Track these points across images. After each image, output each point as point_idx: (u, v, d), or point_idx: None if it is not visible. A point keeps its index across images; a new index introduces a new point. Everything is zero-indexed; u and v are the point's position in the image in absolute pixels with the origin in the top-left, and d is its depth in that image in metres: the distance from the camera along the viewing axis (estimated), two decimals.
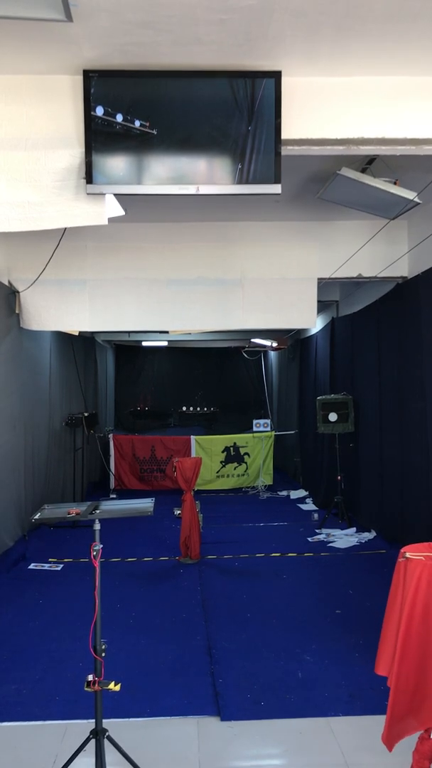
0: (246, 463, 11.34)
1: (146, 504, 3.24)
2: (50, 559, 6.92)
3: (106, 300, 6.99)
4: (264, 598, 5.69)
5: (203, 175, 3.64)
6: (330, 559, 6.96)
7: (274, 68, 3.60)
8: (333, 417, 8.41)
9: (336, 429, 8.42)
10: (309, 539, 7.82)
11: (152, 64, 3.57)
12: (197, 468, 7.00)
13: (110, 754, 2.95)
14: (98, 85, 3.55)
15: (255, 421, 11.60)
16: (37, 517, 3.13)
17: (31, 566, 6.70)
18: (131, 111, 3.57)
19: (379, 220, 5.90)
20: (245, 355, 15.83)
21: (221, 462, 11.29)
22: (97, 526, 3.01)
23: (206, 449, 11.18)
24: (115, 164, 3.62)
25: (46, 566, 6.71)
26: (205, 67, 3.60)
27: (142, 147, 3.60)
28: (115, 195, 4.25)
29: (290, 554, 7.17)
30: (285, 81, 3.61)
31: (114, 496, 10.85)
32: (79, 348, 10.70)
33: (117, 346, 16.78)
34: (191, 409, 17.82)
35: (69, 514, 3.04)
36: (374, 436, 7.68)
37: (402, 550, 2.74)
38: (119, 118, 3.57)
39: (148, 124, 3.58)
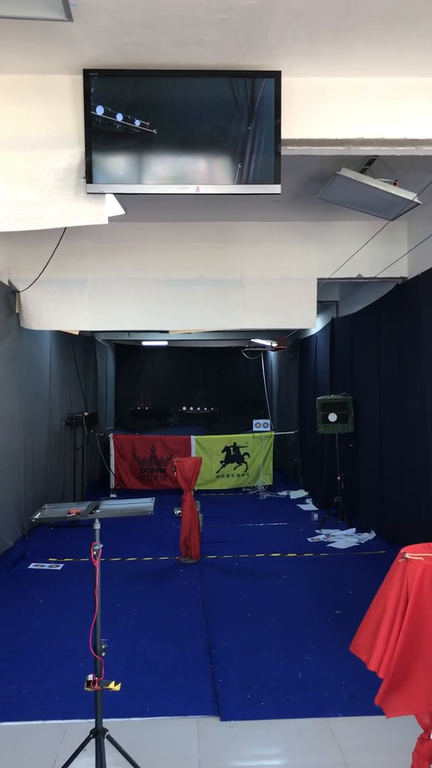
0: (246, 463, 11.34)
1: (146, 503, 3.24)
2: (50, 559, 6.92)
3: (106, 300, 6.99)
4: (264, 598, 5.69)
5: (203, 174, 3.64)
6: (330, 560, 6.96)
7: (274, 68, 3.60)
8: (333, 417, 8.40)
9: (336, 429, 8.42)
10: (309, 539, 7.82)
11: (152, 63, 3.57)
12: (197, 468, 7.00)
13: (110, 754, 2.96)
14: (98, 84, 3.55)
15: (255, 421, 11.61)
16: (37, 516, 3.13)
17: (31, 566, 6.70)
18: (131, 110, 3.57)
19: (379, 220, 5.90)
20: (245, 355, 15.84)
21: (221, 462, 11.30)
22: (97, 526, 3.01)
23: (206, 449, 11.18)
24: (116, 164, 3.62)
25: (46, 566, 6.71)
26: (205, 67, 3.60)
27: (143, 146, 3.60)
28: (115, 194, 4.25)
29: (290, 554, 7.17)
30: (285, 81, 3.61)
31: (114, 495, 10.86)
32: (79, 347, 10.70)
33: (117, 346, 16.78)
34: (191, 408, 17.82)
35: (69, 513, 3.04)
36: (374, 437, 7.68)
37: (402, 551, 2.74)
38: (119, 117, 3.57)
39: (148, 123, 3.58)
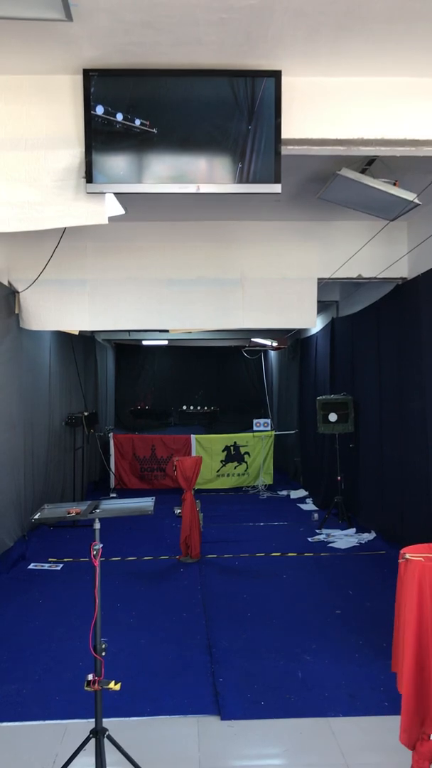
0: (246, 462, 11.34)
1: (146, 503, 3.24)
2: (50, 559, 6.92)
3: (106, 300, 6.98)
4: (264, 598, 5.69)
5: (203, 174, 3.64)
6: (330, 560, 6.96)
7: (275, 68, 3.60)
8: (333, 417, 8.40)
9: (336, 429, 8.42)
10: (309, 539, 7.82)
11: (152, 63, 3.57)
12: (197, 467, 7.00)
13: (110, 754, 2.96)
14: (98, 84, 3.55)
15: (255, 421, 11.60)
16: (36, 516, 3.13)
17: (31, 566, 6.70)
18: (131, 110, 3.57)
19: (379, 220, 5.90)
20: (245, 355, 15.84)
21: (221, 461, 11.30)
22: (97, 526, 3.01)
23: (206, 448, 11.18)
24: (115, 163, 3.62)
25: (46, 566, 6.71)
26: (206, 67, 3.59)
27: (143, 146, 3.60)
28: (115, 194, 4.25)
29: (290, 554, 7.17)
30: (285, 81, 3.61)
31: (114, 495, 10.85)
32: (79, 347, 10.70)
33: (117, 345, 16.77)
34: (191, 408, 17.82)
35: (69, 513, 3.04)
36: (374, 437, 7.68)
37: (402, 551, 2.74)
38: (119, 117, 3.57)
39: (148, 123, 3.58)
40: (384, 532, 7.40)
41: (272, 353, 15.41)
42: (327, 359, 9.60)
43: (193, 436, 11.38)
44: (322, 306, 9.65)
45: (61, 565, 6.71)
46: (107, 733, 2.96)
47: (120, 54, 3.48)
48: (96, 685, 2.90)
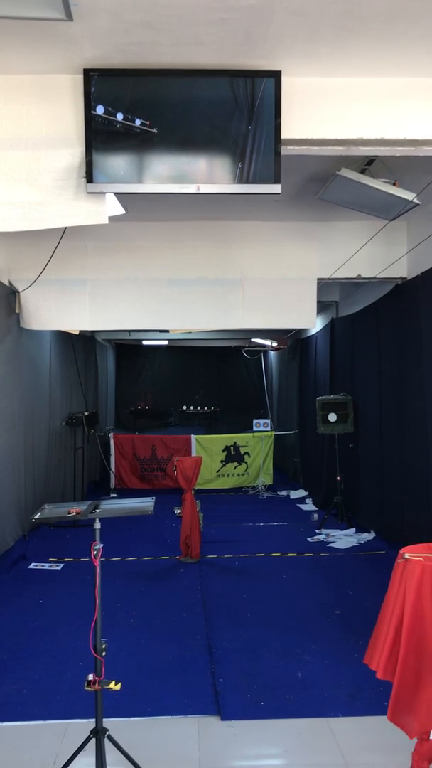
0: (246, 462, 11.34)
1: (146, 503, 3.24)
2: (50, 559, 6.92)
3: (106, 299, 6.99)
4: (264, 598, 5.69)
5: (203, 174, 3.64)
6: (330, 560, 6.96)
7: (274, 68, 3.60)
8: (333, 417, 8.41)
9: (336, 429, 8.42)
10: (309, 539, 7.82)
11: (152, 63, 3.57)
12: (198, 467, 7.00)
13: (110, 754, 2.96)
14: (99, 84, 3.55)
15: (255, 421, 11.60)
16: (37, 516, 3.13)
17: (32, 566, 6.70)
18: (132, 110, 3.57)
19: (379, 220, 5.90)
20: (245, 355, 15.84)
21: (221, 461, 11.30)
22: (98, 526, 3.01)
23: (206, 448, 11.18)
24: (116, 163, 3.62)
25: (47, 566, 6.71)
26: (206, 67, 3.60)
27: (143, 146, 3.60)
28: (115, 194, 4.25)
29: (290, 554, 7.17)
30: (285, 81, 3.61)
31: (114, 495, 10.86)
32: (80, 347, 10.70)
33: (117, 345, 16.77)
34: (191, 408, 17.83)
35: (69, 513, 3.04)
36: (374, 437, 7.68)
37: (401, 551, 2.74)
38: (120, 117, 3.57)
39: (148, 123, 3.58)
40: (384, 532, 7.40)
41: (272, 353, 15.41)
42: (327, 359, 9.60)
43: (193, 436, 11.38)
44: (322, 306, 9.65)
45: (62, 565, 6.71)
46: (107, 733, 2.97)
47: (120, 54, 3.48)
48: (96, 685, 2.91)
